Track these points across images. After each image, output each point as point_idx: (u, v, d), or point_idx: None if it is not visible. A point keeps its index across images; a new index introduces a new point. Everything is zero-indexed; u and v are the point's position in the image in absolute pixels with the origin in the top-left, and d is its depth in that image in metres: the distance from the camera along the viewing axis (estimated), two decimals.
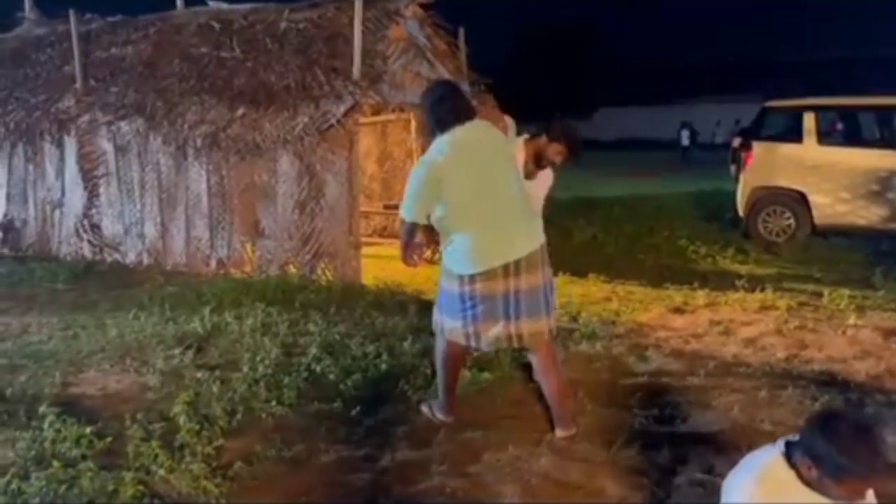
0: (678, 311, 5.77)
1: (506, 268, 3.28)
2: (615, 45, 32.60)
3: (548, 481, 3.12)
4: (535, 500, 2.98)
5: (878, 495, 2.03)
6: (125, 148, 7.60)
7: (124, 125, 7.57)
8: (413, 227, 3.36)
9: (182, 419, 3.55)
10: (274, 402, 3.86)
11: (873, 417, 3.57)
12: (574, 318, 5.51)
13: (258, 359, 4.45)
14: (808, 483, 1.94)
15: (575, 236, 8.64)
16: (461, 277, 3.35)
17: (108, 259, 7.76)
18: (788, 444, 2.02)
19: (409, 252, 3.36)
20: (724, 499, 2.07)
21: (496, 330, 3.34)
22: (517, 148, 4.07)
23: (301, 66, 6.95)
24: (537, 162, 4.10)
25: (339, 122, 6.49)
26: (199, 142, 7.10)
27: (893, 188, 7.67)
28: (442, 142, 3.35)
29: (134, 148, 7.55)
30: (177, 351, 4.76)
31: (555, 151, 4.04)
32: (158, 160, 7.43)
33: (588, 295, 6.37)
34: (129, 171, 7.62)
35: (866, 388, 4.09)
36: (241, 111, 6.93)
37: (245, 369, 4.31)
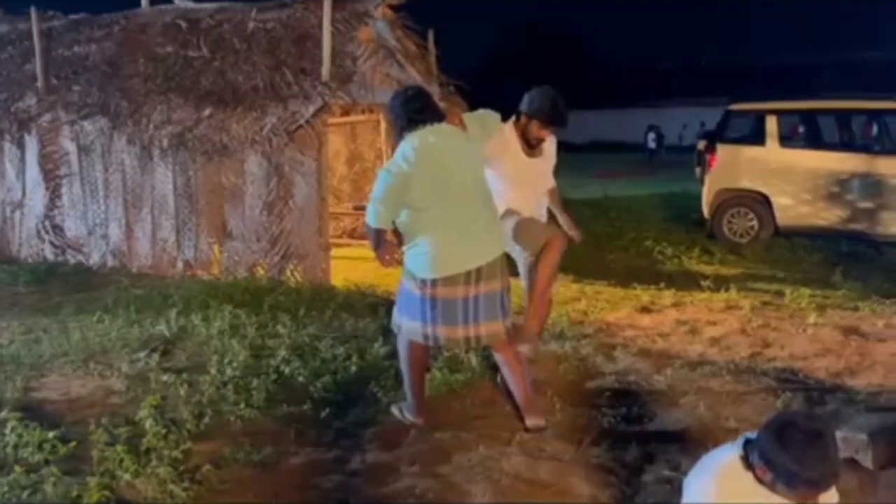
0: (645, 310, 5.85)
1: (468, 274, 3.35)
2: (586, 48, 32.84)
3: (517, 480, 3.14)
4: (505, 499, 3.00)
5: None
6: (88, 148, 7.47)
7: (88, 125, 7.44)
8: (379, 233, 3.41)
9: (148, 423, 3.50)
10: (242, 405, 3.83)
11: (831, 416, 3.65)
12: None
13: (226, 361, 4.41)
14: (764, 483, 1.98)
15: None
16: (423, 281, 3.40)
17: (71, 261, 7.62)
18: (747, 443, 2.06)
19: (383, 253, 3.40)
20: (684, 498, 2.11)
21: (455, 332, 3.42)
22: (506, 134, 3.89)
23: (269, 67, 6.90)
24: (527, 142, 3.95)
25: (307, 122, 6.46)
26: (165, 142, 7.01)
27: (853, 190, 7.86)
28: (408, 146, 3.36)
29: (98, 148, 7.43)
30: (142, 354, 4.69)
31: (537, 128, 3.88)
32: (123, 160, 7.31)
33: (557, 295, 6.40)
34: (93, 171, 7.49)
35: (826, 385, 4.19)
36: (208, 111, 6.85)
37: (213, 372, 4.26)
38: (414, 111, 3.41)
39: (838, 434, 3.14)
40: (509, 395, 3.82)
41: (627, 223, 9.73)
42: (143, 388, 4.13)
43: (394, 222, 3.43)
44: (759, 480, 1.97)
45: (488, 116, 3.75)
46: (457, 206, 3.37)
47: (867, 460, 3.15)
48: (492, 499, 2.99)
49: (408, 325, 3.53)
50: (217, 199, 6.96)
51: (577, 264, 7.40)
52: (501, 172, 3.91)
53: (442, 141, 3.40)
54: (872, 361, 4.57)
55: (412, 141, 3.36)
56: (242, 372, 4.26)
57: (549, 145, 4.11)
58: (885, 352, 4.74)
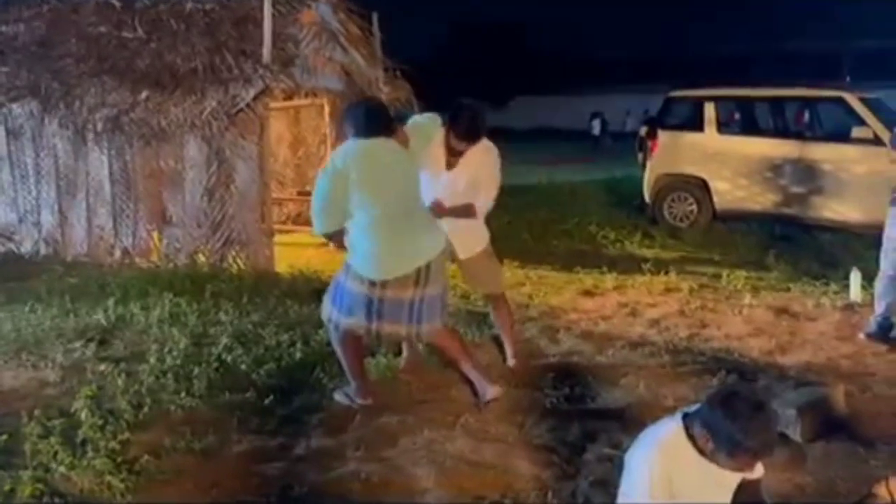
0: (588, 294, 5.95)
1: (417, 272, 3.44)
2: (531, 37, 33.01)
3: (462, 462, 3.17)
4: (450, 481, 3.02)
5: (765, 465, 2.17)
6: (18, 132, 7.18)
7: (16, 108, 7.14)
8: (333, 236, 3.55)
9: (84, 414, 3.40)
10: (183, 394, 3.76)
11: (765, 391, 3.79)
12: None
13: (166, 350, 4.32)
14: (703, 453, 2.04)
15: (490, 223, 8.73)
16: (372, 283, 3.46)
17: (1, 249, 7.33)
18: (685, 416, 2.13)
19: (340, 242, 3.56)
20: (627, 470, 2.16)
21: (398, 328, 3.54)
22: (435, 140, 3.82)
23: (209, 49, 6.73)
24: (450, 151, 3.88)
25: (248, 106, 6.33)
26: (99, 126, 6.78)
27: (786, 175, 8.13)
28: (348, 148, 3.44)
29: (27, 132, 7.15)
30: (78, 344, 4.55)
31: (454, 138, 3.79)
32: (55, 145, 7.05)
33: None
34: (23, 155, 7.21)
35: (760, 363, 4.34)
36: (144, 94, 6.65)
37: (152, 361, 4.16)
38: (367, 126, 3.44)
39: None
40: (455, 379, 3.86)
41: (571, 209, 9.86)
42: (79, 379, 4.01)
43: None
44: (700, 451, 2.04)
45: (430, 122, 3.77)
46: (397, 207, 3.45)
47: (796, 434, 3.29)
48: (436, 481, 3.01)
49: (347, 321, 3.55)
50: (155, 184, 6.78)
51: (522, 249, 7.48)
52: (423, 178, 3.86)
53: (386, 149, 3.47)
54: (802, 340, 4.75)
55: (350, 145, 3.45)
56: (183, 361, 4.18)
57: (478, 157, 3.86)
58: (814, 330, 4.94)
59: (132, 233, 6.89)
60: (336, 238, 3.57)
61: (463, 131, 3.75)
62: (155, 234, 6.78)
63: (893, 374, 4.15)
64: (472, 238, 4.08)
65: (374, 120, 3.48)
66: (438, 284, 3.57)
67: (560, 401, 3.81)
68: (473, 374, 3.78)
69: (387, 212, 3.42)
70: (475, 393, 3.78)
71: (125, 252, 6.90)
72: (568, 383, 4.03)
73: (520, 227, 8.72)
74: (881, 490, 2.25)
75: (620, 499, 2.17)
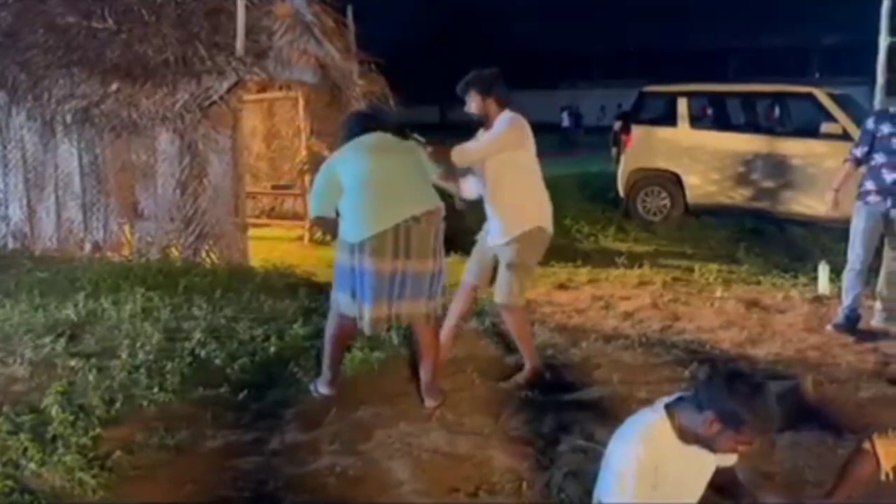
0: (563, 287, 5.99)
1: (395, 235, 3.34)
2: (507, 30, 33.02)
3: (437, 455, 3.18)
4: (425, 474, 3.03)
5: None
6: None
7: None
8: (322, 221, 3.61)
9: (54, 410, 3.36)
10: (156, 389, 3.72)
11: None
12: None
13: (138, 345, 4.27)
14: (689, 440, 2.08)
15: (466, 217, 8.74)
16: (352, 248, 3.42)
17: None
18: (667, 406, 2.16)
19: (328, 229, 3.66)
20: (609, 461, 2.18)
21: (380, 310, 3.43)
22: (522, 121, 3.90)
23: (181, 40, 6.63)
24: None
25: (221, 98, 6.27)
26: (68, 118, 6.67)
27: (756, 170, 8.24)
28: (345, 147, 3.59)
29: None
30: (48, 339, 4.47)
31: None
32: (23, 137, 6.92)
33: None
34: None
35: (731, 354, 4.41)
36: (115, 86, 6.54)
37: (124, 356, 4.11)
38: (362, 125, 3.65)
39: None
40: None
41: None
42: (49, 375, 3.94)
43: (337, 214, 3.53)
44: (683, 438, 2.08)
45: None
46: (386, 174, 3.45)
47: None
48: (412, 474, 3.02)
49: (340, 297, 3.56)
50: (127, 177, 6.68)
51: None
52: (529, 161, 3.91)
53: (381, 136, 3.59)
54: (772, 332, 4.83)
55: (345, 146, 3.59)
56: (156, 356, 4.13)
57: (494, 126, 3.89)
58: (784, 322, 5.02)
59: (103, 226, 6.79)
60: (325, 225, 3.63)
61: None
62: (126, 228, 6.70)
63: (860, 364, 4.24)
64: (492, 229, 3.95)
65: (362, 120, 3.75)
66: (428, 260, 3.45)
67: (535, 393, 3.84)
68: (425, 378, 3.67)
69: (373, 179, 3.42)
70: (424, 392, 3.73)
71: (96, 246, 6.80)
72: (542, 375, 4.06)
73: None
74: (867, 446, 2.32)
75: (601, 490, 2.18)
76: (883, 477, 2.28)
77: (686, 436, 2.08)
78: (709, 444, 2.07)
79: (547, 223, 3.92)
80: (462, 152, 3.77)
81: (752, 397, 1.99)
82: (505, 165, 3.80)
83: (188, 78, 6.39)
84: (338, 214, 3.52)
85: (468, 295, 4.15)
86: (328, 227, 3.66)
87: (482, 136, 3.93)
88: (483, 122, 3.91)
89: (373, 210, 3.38)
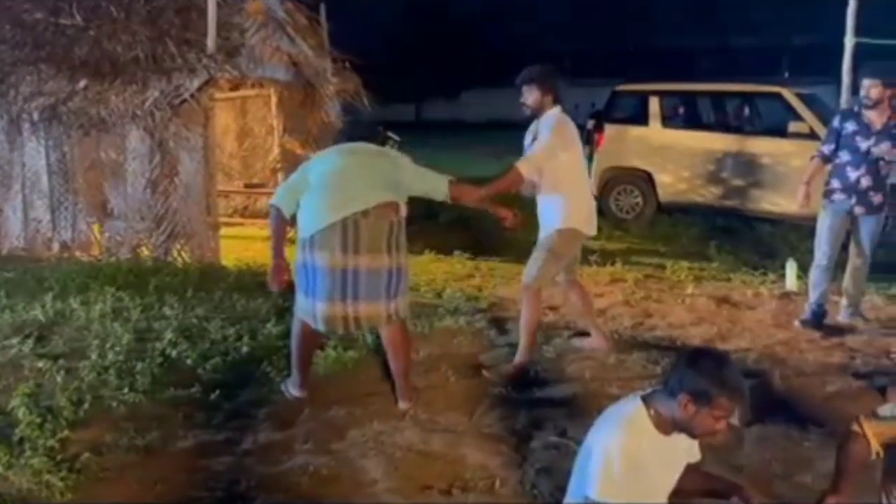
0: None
1: (343, 229, 3.32)
2: (482, 29, 33.04)
3: (411, 453, 3.19)
4: (398, 472, 3.03)
5: None
6: None
7: None
8: (276, 211, 3.52)
9: (21, 412, 3.30)
10: (126, 390, 3.68)
11: None
12: (438, 295, 5.61)
13: (108, 346, 4.21)
14: (667, 429, 2.11)
15: (440, 216, 8.76)
16: (303, 243, 3.43)
17: None
18: (644, 398, 2.18)
19: (276, 275, 3.48)
20: (595, 454, 2.16)
21: (333, 309, 3.39)
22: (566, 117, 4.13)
23: (151, 37, 6.54)
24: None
25: (193, 96, 6.19)
26: (35, 115, 6.54)
27: (727, 168, 8.35)
28: (329, 148, 3.74)
29: None
30: (14, 340, 4.40)
31: None
32: None
33: (452, 272, 6.51)
34: None
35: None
36: (83, 83, 6.43)
37: (93, 357, 4.06)
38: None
39: None
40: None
41: (522, 201, 9.92)
42: (16, 376, 3.88)
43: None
44: (661, 428, 2.11)
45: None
46: (345, 177, 3.45)
47: (734, 418, 3.39)
48: (385, 472, 3.02)
49: (299, 300, 3.56)
50: (96, 176, 6.58)
51: (473, 242, 7.52)
52: (573, 161, 4.12)
53: (359, 144, 3.63)
54: (742, 328, 4.91)
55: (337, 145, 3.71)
56: (126, 356, 4.08)
57: (540, 126, 4.17)
58: (753, 318, 5.10)
59: (71, 226, 6.68)
60: (275, 216, 3.53)
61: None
62: (95, 228, 6.59)
63: (826, 359, 4.32)
64: (542, 217, 4.22)
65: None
66: (381, 256, 3.39)
67: (508, 390, 3.86)
68: (398, 380, 3.66)
69: (333, 179, 3.44)
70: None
71: (64, 246, 6.68)
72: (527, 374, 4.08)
73: (470, 219, 8.75)
74: (856, 428, 2.38)
75: (584, 483, 2.18)
76: (874, 456, 2.36)
77: (663, 425, 2.11)
78: (689, 428, 2.10)
79: (586, 227, 4.21)
80: (529, 164, 4.03)
81: (718, 370, 2.05)
82: (560, 162, 4.04)
83: (158, 75, 6.31)
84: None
85: (575, 288, 4.47)
86: (277, 220, 3.54)
87: (537, 139, 4.11)
88: (535, 116, 4.14)
89: (323, 205, 3.39)
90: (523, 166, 4.02)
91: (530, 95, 4.11)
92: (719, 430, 2.10)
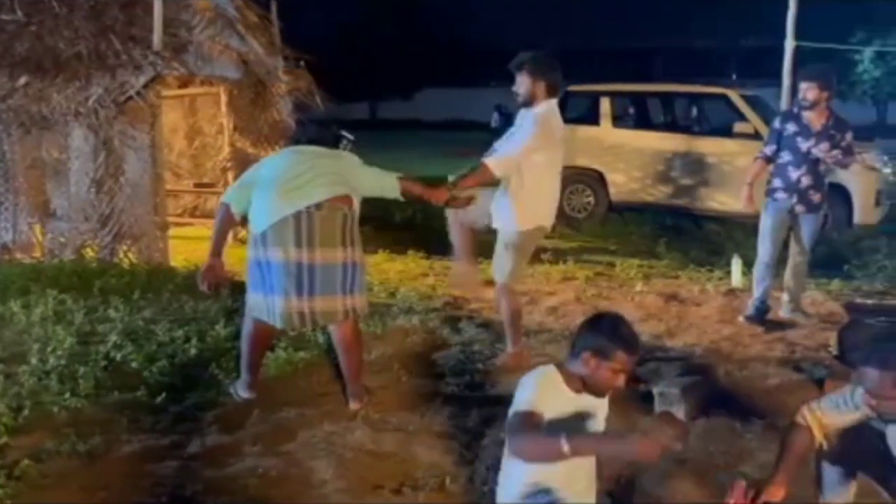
0: (490, 284, 5.96)
1: (297, 224, 3.29)
2: (438, 27, 33.05)
3: (361, 453, 3.17)
4: (349, 472, 3.02)
5: None
6: None
7: None
8: (224, 209, 3.46)
9: None
10: (67, 395, 3.58)
11: (652, 374, 3.97)
12: (392, 294, 5.60)
13: (49, 350, 4.09)
14: (577, 387, 2.24)
15: (395, 214, 8.74)
16: (255, 239, 3.39)
17: None
18: (557, 364, 2.32)
19: (207, 274, 3.42)
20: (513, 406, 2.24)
21: (289, 304, 3.34)
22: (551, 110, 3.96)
23: (94, 33, 6.37)
24: None
25: (138, 94, 6.06)
26: None
27: (675, 168, 8.53)
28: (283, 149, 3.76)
29: None
30: None
31: None
32: None
33: (407, 271, 6.51)
34: None
35: (649, 346, 4.54)
36: (23, 80, 6.23)
37: (33, 361, 3.94)
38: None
39: (655, 389, 3.45)
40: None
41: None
42: None
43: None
44: (573, 388, 2.24)
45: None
46: (296, 172, 3.42)
47: (680, 412, 3.45)
48: (335, 473, 3.00)
49: (252, 300, 3.51)
50: (37, 175, 6.39)
51: (428, 241, 7.52)
52: (549, 162, 3.94)
53: (311, 146, 3.62)
54: (689, 324, 5.01)
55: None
56: (68, 360, 3.97)
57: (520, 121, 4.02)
58: (700, 315, 5.22)
59: (12, 227, 6.47)
60: (222, 213, 3.48)
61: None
62: (37, 228, 6.40)
63: (768, 353, 4.44)
64: (501, 211, 4.00)
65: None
66: (336, 251, 3.36)
67: (461, 388, 3.88)
68: (348, 380, 3.63)
69: (284, 176, 3.40)
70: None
71: (4, 247, 6.47)
72: (469, 371, 4.11)
73: (425, 218, 8.76)
74: (800, 419, 2.46)
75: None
76: (817, 446, 2.45)
77: (573, 382, 2.24)
78: (592, 383, 2.23)
79: (548, 221, 4.10)
80: (504, 163, 3.85)
81: (614, 328, 2.22)
82: (530, 161, 3.88)
83: (102, 72, 6.15)
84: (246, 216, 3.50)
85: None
86: (223, 218, 3.49)
87: (515, 133, 3.96)
88: (526, 103, 3.91)
89: (275, 200, 3.35)
90: (495, 165, 3.84)
91: (521, 84, 3.90)
92: (618, 385, 2.23)
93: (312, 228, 3.31)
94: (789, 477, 2.41)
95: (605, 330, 2.22)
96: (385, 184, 3.67)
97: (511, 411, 2.19)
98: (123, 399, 3.63)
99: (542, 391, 2.20)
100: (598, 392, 2.26)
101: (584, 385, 2.24)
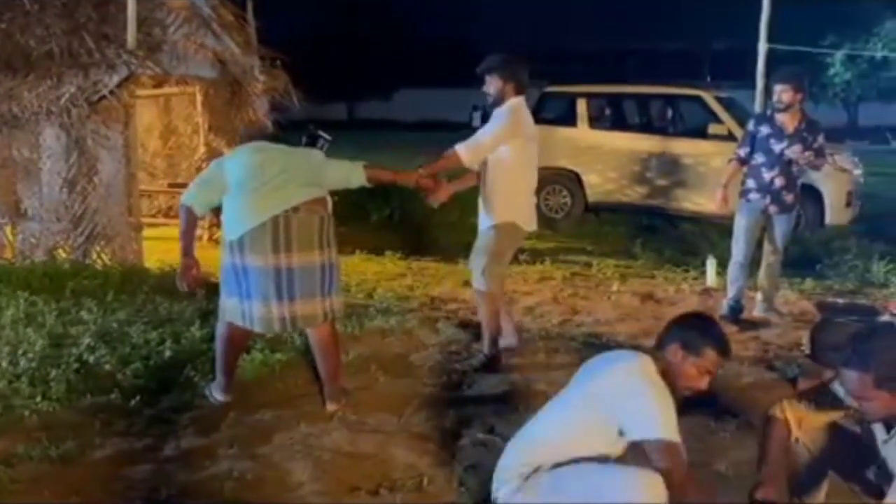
0: (468, 284, 6.02)
1: (275, 228, 3.26)
2: (414, 28, 33.07)
3: (338, 455, 3.16)
4: (325, 474, 3.00)
5: None
6: None
7: None
8: (188, 212, 3.41)
9: None
10: (39, 398, 3.52)
11: None
12: (369, 295, 5.59)
13: (20, 352, 4.02)
14: (668, 379, 2.25)
15: (372, 215, 8.73)
16: (231, 245, 3.34)
17: None
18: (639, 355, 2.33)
19: (185, 273, 3.39)
20: (630, 402, 2.22)
21: (269, 310, 3.32)
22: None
23: (66, 31, 6.27)
24: None
25: (112, 93, 5.98)
26: None
27: (651, 168, 8.61)
28: (239, 147, 3.64)
29: None
30: None
31: None
32: None
33: (384, 272, 6.50)
34: None
35: (626, 346, 4.57)
36: None
37: (3, 364, 3.87)
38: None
39: None
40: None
41: (454, 201, 9.96)
42: None
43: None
44: (665, 379, 2.25)
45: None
46: (270, 173, 3.36)
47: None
48: (312, 475, 2.99)
49: (227, 304, 3.47)
50: (8, 175, 6.27)
51: (405, 242, 7.52)
52: (519, 154, 3.99)
53: (279, 147, 3.57)
54: (665, 323, 5.04)
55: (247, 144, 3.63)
56: (39, 363, 3.90)
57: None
58: (675, 314, 5.22)
59: None
60: (185, 216, 3.43)
61: None
62: (8, 229, 6.30)
63: (742, 352, 4.48)
64: (486, 208, 4.12)
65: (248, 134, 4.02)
66: (313, 252, 3.34)
67: (438, 389, 3.88)
68: (326, 382, 3.61)
69: (257, 177, 3.34)
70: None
71: None
72: (446, 371, 4.10)
73: (402, 218, 8.76)
74: (778, 413, 2.49)
75: (635, 426, 2.23)
76: (793, 440, 2.46)
77: (667, 374, 2.23)
78: (675, 377, 2.22)
79: (525, 221, 4.11)
80: (472, 150, 3.94)
81: (709, 326, 2.24)
82: (499, 154, 3.95)
83: (75, 70, 6.06)
84: (216, 214, 3.45)
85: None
86: (187, 219, 3.44)
87: (486, 126, 4.06)
88: (496, 103, 4.03)
89: (249, 204, 3.30)
90: (464, 152, 3.93)
91: (492, 85, 4.01)
92: (699, 387, 2.21)
93: (290, 232, 3.28)
94: (778, 469, 2.41)
95: (699, 326, 2.21)
96: (351, 175, 3.64)
97: (662, 439, 2.14)
98: (97, 402, 3.57)
99: (665, 398, 2.18)
100: (674, 391, 2.21)
101: (668, 377, 2.21)
